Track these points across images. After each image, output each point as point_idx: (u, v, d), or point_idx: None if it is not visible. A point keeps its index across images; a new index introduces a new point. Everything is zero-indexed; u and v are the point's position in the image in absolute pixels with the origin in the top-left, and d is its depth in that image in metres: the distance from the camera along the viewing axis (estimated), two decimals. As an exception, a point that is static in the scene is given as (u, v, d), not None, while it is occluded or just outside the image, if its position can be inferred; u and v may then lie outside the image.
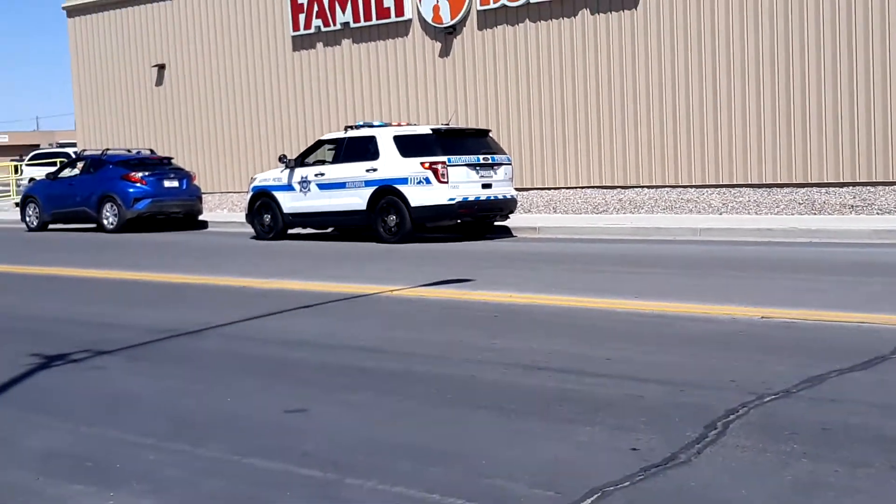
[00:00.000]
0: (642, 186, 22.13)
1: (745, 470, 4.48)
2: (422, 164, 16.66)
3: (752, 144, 20.80)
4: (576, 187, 23.07)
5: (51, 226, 23.72)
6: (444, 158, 16.61)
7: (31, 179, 30.83)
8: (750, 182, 20.82)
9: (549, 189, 23.35)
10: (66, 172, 24.34)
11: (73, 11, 33.24)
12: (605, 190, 22.48)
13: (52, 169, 27.22)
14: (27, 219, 23.95)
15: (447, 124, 18.90)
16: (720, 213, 18.86)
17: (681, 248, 14.66)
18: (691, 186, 21.46)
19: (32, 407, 6.16)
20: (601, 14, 22.40)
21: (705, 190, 21.11)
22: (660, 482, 4.35)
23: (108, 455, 5.08)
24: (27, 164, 39.73)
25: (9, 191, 39.90)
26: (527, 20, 23.48)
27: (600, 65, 22.51)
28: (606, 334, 7.78)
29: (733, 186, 20.93)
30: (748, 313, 8.39)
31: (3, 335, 8.86)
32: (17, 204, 27.83)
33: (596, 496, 4.18)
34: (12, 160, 54.90)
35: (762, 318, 8.19)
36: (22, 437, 5.47)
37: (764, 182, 20.67)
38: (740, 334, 7.62)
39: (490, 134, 18.60)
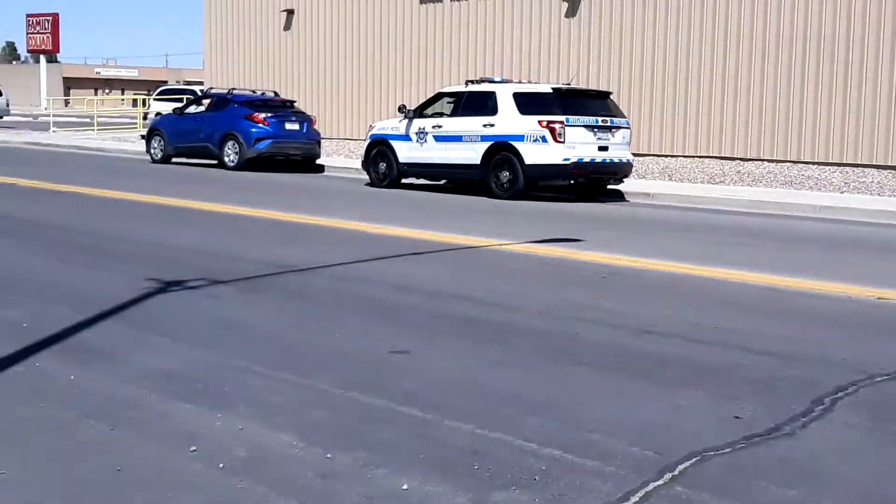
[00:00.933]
0: (762, 160, 21.61)
1: (851, 447, 4.40)
2: (539, 122, 16.56)
3: (881, 123, 20.09)
4: (693, 156, 22.65)
5: (174, 159, 24.37)
6: (562, 118, 16.47)
7: (158, 114, 31.66)
8: (875, 163, 20.14)
9: (665, 156, 22.99)
10: (192, 109, 24.93)
11: (208, -48, 33.91)
12: (723, 161, 22.03)
13: (179, 104, 27.91)
14: (152, 151, 24.65)
15: (568, 84, 18.74)
16: (841, 192, 18.30)
17: (799, 223, 14.30)
18: (813, 163, 20.88)
19: (149, 327, 6.39)
20: (735, -20, 21.84)
21: (827, 168, 20.51)
22: (762, 452, 4.30)
23: (218, 378, 5.25)
24: (155, 99, 40.78)
25: (135, 123, 41.11)
26: (657, -17, 23.03)
27: (730, 34, 21.96)
28: (716, 303, 7.67)
29: (857, 166, 20.29)
30: (864, 293, 8.16)
31: (124, 258, 9.19)
32: (142, 136, 28.65)
33: (695, 459, 4.16)
34: (136, 94, 56.69)
35: (878, 298, 7.97)
36: (137, 355, 5.69)
37: (889, 164, 19.97)
38: (854, 313, 7.43)
39: (611, 97, 18.36)
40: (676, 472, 4.02)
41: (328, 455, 4.17)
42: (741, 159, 21.87)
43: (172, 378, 5.25)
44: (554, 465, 4.09)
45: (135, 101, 50.73)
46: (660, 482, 3.91)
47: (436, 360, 5.76)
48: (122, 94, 70.68)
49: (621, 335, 6.47)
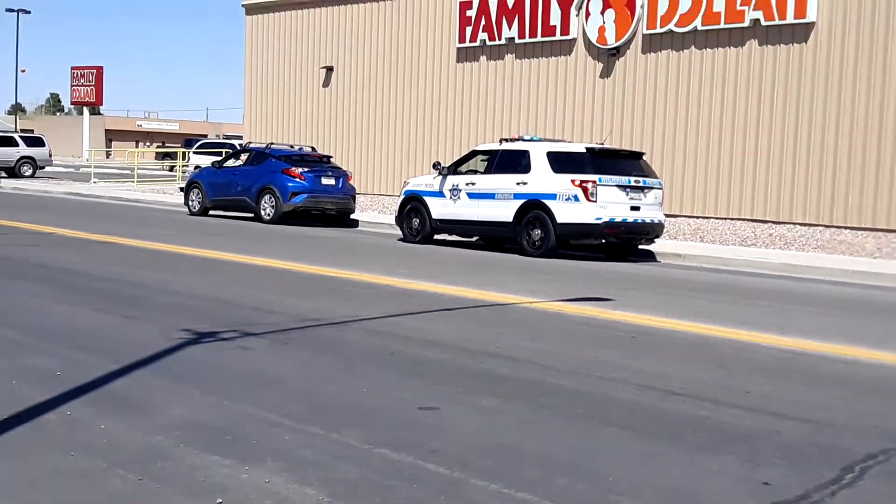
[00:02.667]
0: (794, 223, 21.52)
1: (880, 516, 4.35)
2: (572, 181, 16.63)
3: (918, 189, 19.97)
4: (725, 218, 22.60)
5: (211, 212, 24.64)
6: (595, 177, 16.54)
7: (197, 167, 32.08)
8: (911, 228, 19.99)
9: (697, 217, 22.95)
10: (231, 162, 25.26)
11: (251, 9, 34.48)
12: (755, 223, 21.96)
13: (218, 158, 28.28)
14: (190, 203, 24.94)
15: (602, 144, 18.84)
16: (874, 257, 18.16)
17: (831, 288, 14.20)
18: (845, 227, 20.75)
19: (180, 378, 6.45)
20: (769, 46, 21.91)
21: (860, 232, 20.37)
22: (789, 518, 4.26)
23: (248, 431, 5.28)
24: (194, 153, 41.37)
25: (174, 176, 41.65)
26: (692, 47, 23.17)
27: (763, 96, 22.01)
28: (747, 367, 7.63)
29: (890, 231, 20.13)
30: (899, 361, 8.09)
31: (159, 309, 9.28)
32: (181, 189, 29.01)
33: (722, 524, 4.13)
34: (158, 146, 57.46)
35: (913, 366, 7.89)
36: (168, 406, 5.74)
37: (927, 229, 19.81)
38: (887, 381, 7.36)
39: (644, 157, 18.41)
40: (703, 538, 3.99)
41: (354, 511, 4.17)
42: (773, 222, 21.79)
43: (202, 429, 5.29)
44: (579, 526, 4.08)
45: (165, 153, 51.39)
46: (686, 547, 3.89)
47: (464, 418, 5.76)
48: (163, 146, 71.77)
49: (651, 396, 6.44)
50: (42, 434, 5.15)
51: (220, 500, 4.24)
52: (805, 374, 7.48)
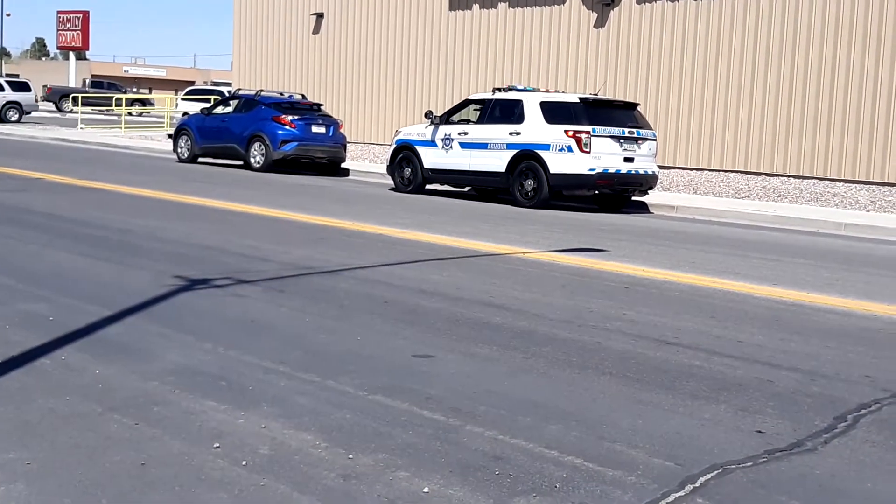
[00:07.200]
0: (788, 175, 21.53)
1: (872, 464, 4.39)
2: (565, 131, 16.56)
3: (910, 142, 19.96)
4: (719, 170, 22.59)
5: (200, 159, 24.50)
6: (588, 128, 16.47)
7: (185, 114, 31.83)
8: (904, 181, 20.02)
9: (691, 169, 22.93)
10: (220, 109, 25.04)
11: (239, -47, 34.08)
12: (748, 175, 21.96)
13: (207, 105, 28.05)
14: (178, 150, 24.79)
15: (596, 94, 18.74)
16: (867, 210, 18.20)
17: (823, 241, 14.23)
18: (839, 180, 20.78)
19: (175, 325, 6.44)
20: (765, -5, 21.78)
21: (854, 185, 20.40)
22: (783, 466, 4.29)
23: (243, 377, 5.29)
24: (182, 99, 41.06)
25: (163, 122, 41.37)
26: (687, -5, 23.01)
27: (759, 47, 21.90)
28: (739, 317, 7.65)
29: (883, 184, 20.16)
30: (889, 311, 8.12)
31: (150, 255, 9.25)
32: (169, 135, 28.81)
33: (717, 472, 4.16)
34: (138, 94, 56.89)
35: (904, 318, 7.93)
36: (163, 352, 5.74)
37: (919, 183, 19.84)
38: (880, 332, 7.40)
39: (638, 108, 18.33)
40: (697, 484, 4.02)
41: (350, 456, 4.19)
42: (767, 174, 21.80)
43: (197, 375, 5.30)
44: (575, 473, 4.10)
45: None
46: (681, 493, 3.92)
47: (458, 365, 5.78)
48: (150, 92, 71.18)
49: (644, 346, 6.46)
50: (37, 378, 5.14)
51: (218, 445, 4.25)
52: (797, 323, 7.51)
